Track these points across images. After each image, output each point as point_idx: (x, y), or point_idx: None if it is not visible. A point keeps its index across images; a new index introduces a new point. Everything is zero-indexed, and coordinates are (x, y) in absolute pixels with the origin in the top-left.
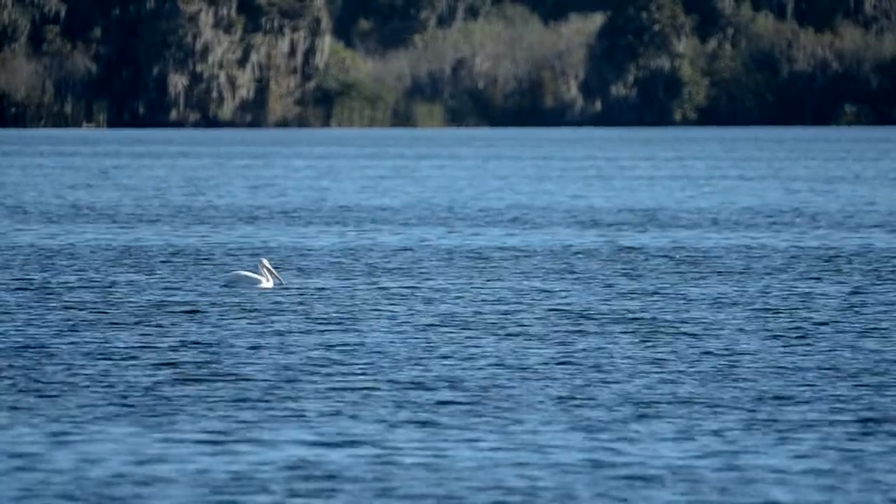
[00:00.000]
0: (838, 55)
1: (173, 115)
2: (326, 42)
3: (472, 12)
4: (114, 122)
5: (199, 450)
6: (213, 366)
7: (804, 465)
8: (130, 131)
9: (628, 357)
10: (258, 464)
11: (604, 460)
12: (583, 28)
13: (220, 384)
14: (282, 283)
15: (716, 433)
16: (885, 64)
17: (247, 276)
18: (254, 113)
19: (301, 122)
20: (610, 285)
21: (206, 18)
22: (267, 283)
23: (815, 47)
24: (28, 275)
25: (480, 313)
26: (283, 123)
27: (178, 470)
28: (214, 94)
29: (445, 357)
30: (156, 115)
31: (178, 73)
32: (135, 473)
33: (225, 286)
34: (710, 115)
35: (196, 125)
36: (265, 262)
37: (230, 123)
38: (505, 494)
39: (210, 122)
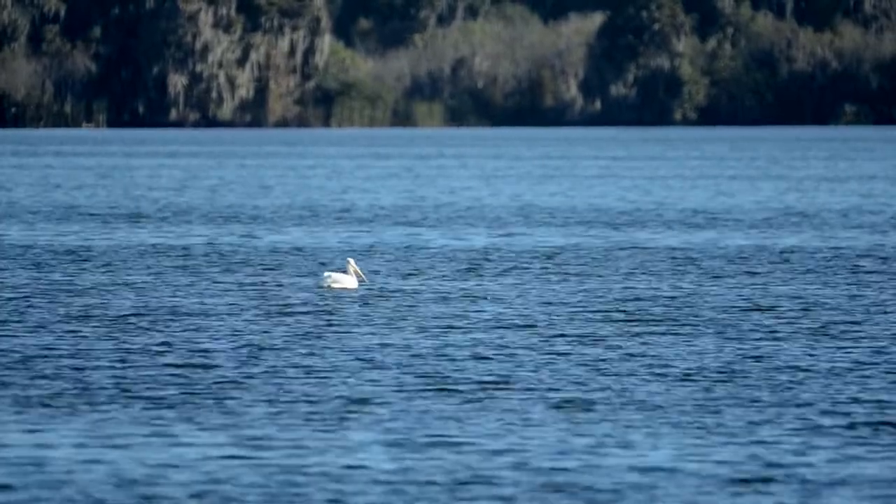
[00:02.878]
0: (838, 54)
1: (173, 115)
2: (326, 42)
3: (472, 12)
4: (113, 122)
5: (261, 447)
6: (292, 364)
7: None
8: (131, 131)
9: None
10: (334, 464)
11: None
12: (582, 27)
13: (300, 382)
14: (366, 283)
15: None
16: (884, 63)
17: (336, 277)
18: (253, 113)
19: (301, 122)
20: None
21: (206, 18)
22: (353, 282)
23: (814, 47)
24: (112, 274)
25: (554, 315)
26: (283, 123)
27: (244, 468)
28: (214, 94)
29: (522, 358)
30: (155, 115)
31: (177, 72)
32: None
33: (315, 285)
34: (709, 115)
35: (196, 125)
36: (352, 262)
37: (230, 123)
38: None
39: (210, 122)
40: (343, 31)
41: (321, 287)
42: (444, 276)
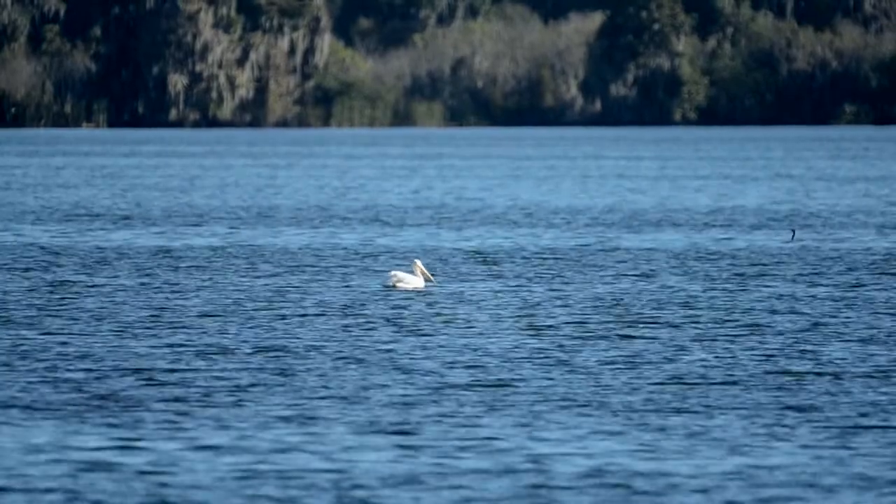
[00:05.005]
0: (838, 54)
1: (173, 115)
2: (326, 41)
3: (472, 11)
4: (113, 122)
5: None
6: (353, 364)
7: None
8: (131, 131)
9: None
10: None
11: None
12: (582, 27)
13: (358, 382)
14: (434, 284)
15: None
16: (884, 63)
17: (401, 277)
18: (253, 113)
19: (301, 122)
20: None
21: (206, 18)
22: (420, 283)
23: (814, 46)
24: (166, 274)
25: (622, 316)
26: (283, 123)
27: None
28: (214, 94)
29: (588, 361)
30: (156, 115)
31: (177, 72)
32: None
33: (381, 286)
34: (709, 115)
35: (196, 125)
36: (419, 262)
37: (230, 123)
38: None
39: (210, 122)
40: (343, 30)
41: (386, 287)
42: (513, 276)
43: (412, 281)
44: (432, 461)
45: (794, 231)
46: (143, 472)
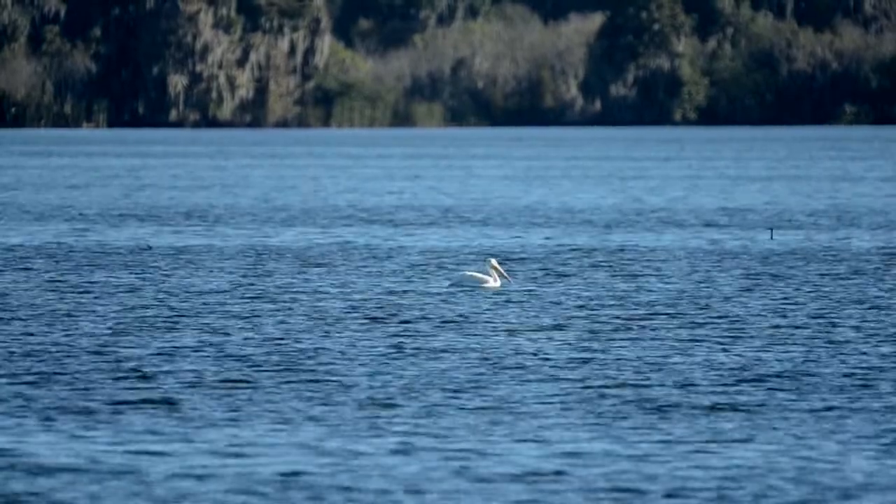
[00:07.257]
0: (838, 55)
1: (173, 115)
2: (326, 42)
3: (472, 12)
4: (113, 122)
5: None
6: (421, 364)
7: None
8: (131, 131)
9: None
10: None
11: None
12: (582, 28)
13: (426, 382)
14: (510, 283)
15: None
16: (884, 63)
17: (474, 276)
18: (253, 113)
19: (301, 123)
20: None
21: (206, 18)
22: (495, 283)
23: (814, 47)
24: (224, 274)
25: (690, 315)
26: (283, 123)
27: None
28: (214, 94)
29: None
30: (156, 115)
31: (177, 73)
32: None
33: (452, 286)
34: (709, 115)
35: (196, 125)
36: (493, 262)
37: (229, 123)
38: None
39: (210, 122)
40: (343, 31)
41: (459, 286)
42: (586, 277)
43: (485, 280)
44: (495, 462)
45: (771, 230)
46: (197, 466)
